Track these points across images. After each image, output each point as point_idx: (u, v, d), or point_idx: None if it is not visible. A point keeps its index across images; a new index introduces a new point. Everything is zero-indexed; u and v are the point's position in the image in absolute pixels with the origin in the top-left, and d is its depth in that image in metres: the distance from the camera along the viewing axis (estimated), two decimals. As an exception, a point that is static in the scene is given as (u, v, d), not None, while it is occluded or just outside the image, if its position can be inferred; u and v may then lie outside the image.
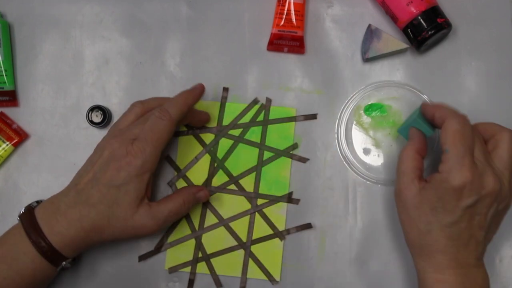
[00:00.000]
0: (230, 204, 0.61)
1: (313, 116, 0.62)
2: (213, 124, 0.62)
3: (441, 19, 0.58)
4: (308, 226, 0.60)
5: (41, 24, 0.63)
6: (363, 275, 0.59)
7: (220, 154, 0.61)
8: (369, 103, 0.61)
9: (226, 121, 0.62)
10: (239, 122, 0.62)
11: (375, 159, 0.61)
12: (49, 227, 0.51)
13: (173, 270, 0.60)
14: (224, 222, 0.61)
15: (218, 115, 0.62)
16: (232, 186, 0.61)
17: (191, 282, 0.60)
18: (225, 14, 0.63)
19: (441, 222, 0.49)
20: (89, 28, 0.63)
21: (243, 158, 0.61)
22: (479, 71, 0.62)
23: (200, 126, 0.61)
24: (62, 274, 0.57)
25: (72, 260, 0.53)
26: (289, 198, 0.61)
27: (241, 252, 0.60)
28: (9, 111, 0.62)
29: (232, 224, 0.61)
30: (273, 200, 0.61)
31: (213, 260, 0.60)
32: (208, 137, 0.62)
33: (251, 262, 0.60)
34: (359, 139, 0.61)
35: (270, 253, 0.60)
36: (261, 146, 0.61)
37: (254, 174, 0.61)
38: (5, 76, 0.61)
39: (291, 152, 0.61)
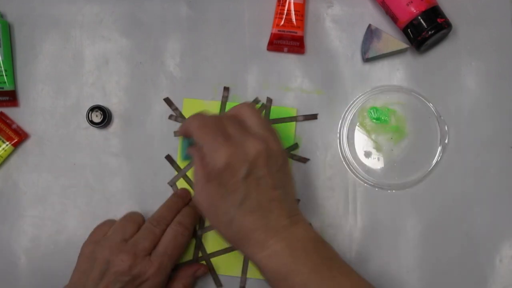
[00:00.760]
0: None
1: (314, 116, 0.62)
2: (213, 124, 0.62)
3: (441, 19, 0.58)
4: (308, 226, 0.60)
5: (41, 24, 0.63)
6: (363, 275, 0.59)
7: (220, 154, 0.61)
8: (374, 106, 0.61)
9: (226, 121, 0.62)
10: (239, 122, 0.62)
11: (375, 162, 0.61)
12: None
13: (176, 267, 0.60)
14: (224, 222, 0.61)
15: (219, 114, 0.62)
16: (232, 186, 0.61)
17: (191, 282, 0.60)
18: (225, 14, 0.63)
19: (235, 204, 0.49)
20: (89, 28, 0.63)
21: (243, 158, 0.61)
22: (479, 71, 0.62)
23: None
24: None
25: None
26: (289, 198, 0.61)
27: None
28: (9, 111, 0.62)
29: (232, 224, 0.61)
30: (273, 200, 0.60)
31: (213, 260, 0.60)
32: (208, 137, 0.62)
33: (251, 262, 0.60)
34: (361, 141, 0.61)
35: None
36: (261, 146, 0.61)
37: (254, 174, 0.61)
38: (5, 76, 0.61)
39: (291, 152, 0.61)
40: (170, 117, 0.62)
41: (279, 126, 0.61)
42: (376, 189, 0.61)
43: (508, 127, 0.61)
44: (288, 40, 0.61)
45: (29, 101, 0.62)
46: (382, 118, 0.61)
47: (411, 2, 0.58)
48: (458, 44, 0.62)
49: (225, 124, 0.50)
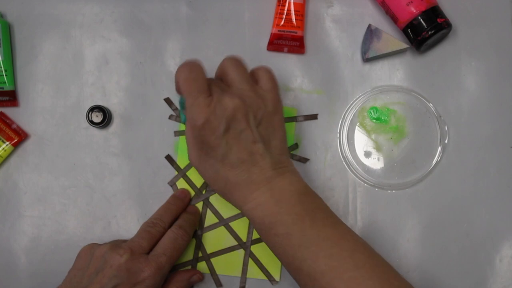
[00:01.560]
0: (230, 204, 0.61)
1: (314, 116, 0.62)
2: (213, 124, 0.62)
3: (441, 19, 0.58)
4: (308, 226, 0.60)
5: (41, 24, 0.63)
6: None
7: (220, 154, 0.61)
8: (374, 106, 0.61)
9: (226, 121, 0.62)
10: (239, 122, 0.62)
11: (375, 162, 0.61)
12: None
13: (173, 269, 0.60)
14: (224, 222, 0.61)
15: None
16: (232, 186, 0.61)
17: (191, 282, 0.60)
18: (225, 14, 0.63)
19: (218, 159, 0.50)
20: (89, 28, 0.63)
21: (243, 158, 0.61)
22: (479, 71, 0.62)
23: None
24: None
25: None
26: (289, 198, 0.61)
27: (241, 252, 0.60)
28: (9, 111, 0.62)
29: (232, 224, 0.61)
30: (273, 200, 0.61)
31: (213, 260, 0.60)
32: (208, 137, 0.62)
33: (251, 262, 0.60)
34: (361, 141, 0.61)
35: (270, 253, 0.60)
36: (261, 146, 0.61)
37: (254, 174, 0.61)
38: (5, 76, 0.61)
39: (291, 152, 0.61)
40: (170, 117, 0.62)
41: (279, 126, 0.61)
42: (376, 189, 0.61)
43: (508, 127, 0.61)
44: (288, 40, 0.61)
45: (29, 101, 0.62)
46: (382, 118, 0.61)
47: (411, 2, 0.58)
48: (458, 44, 0.62)
49: (209, 81, 0.51)
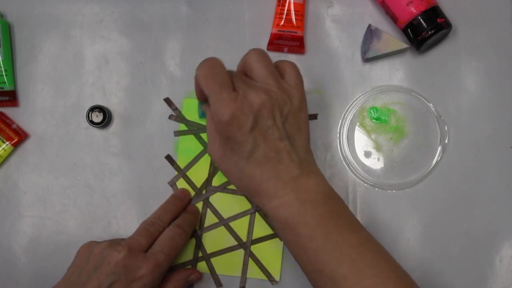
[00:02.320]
0: (230, 204, 0.61)
1: (314, 116, 0.62)
2: (213, 124, 0.62)
3: (441, 19, 0.58)
4: (308, 226, 0.60)
5: (41, 24, 0.63)
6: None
7: (220, 154, 0.61)
8: (374, 106, 0.61)
9: (226, 121, 0.62)
10: (239, 122, 0.62)
11: (375, 162, 0.61)
12: None
13: (173, 269, 0.60)
14: (224, 222, 0.61)
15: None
16: (232, 186, 0.61)
17: (191, 282, 0.60)
18: (225, 14, 0.63)
19: (243, 156, 0.49)
20: (89, 28, 0.63)
21: (243, 158, 0.61)
22: (479, 71, 0.62)
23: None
24: None
25: None
26: (289, 198, 0.61)
27: (241, 252, 0.60)
28: (9, 111, 0.62)
29: (232, 224, 0.61)
30: (273, 200, 0.61)
31: (213, 260, 0.60)
32: (208, 137, 0.62)
33: (251, 262, 0.60)
34: (361, 141, 0.61)
35: (270, 253, 0.60)
36: (261, 146, 0.61)
37: (254, 174, 0.61)
38: (5, 76, 0.61)
39: (291, 152, 0.61)
40: (170, 117, 0.62)
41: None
42: (376, 189, 0.61)
43: (508, 127, 0.61)
44: (288, 40, 0.61)
45: (29, 101, 0.62)
46: (382, 118, 0.61)
47: (411, 2, 0.58)
48: (458, 44, 0.62)
49: (233, 76, 0.50)
